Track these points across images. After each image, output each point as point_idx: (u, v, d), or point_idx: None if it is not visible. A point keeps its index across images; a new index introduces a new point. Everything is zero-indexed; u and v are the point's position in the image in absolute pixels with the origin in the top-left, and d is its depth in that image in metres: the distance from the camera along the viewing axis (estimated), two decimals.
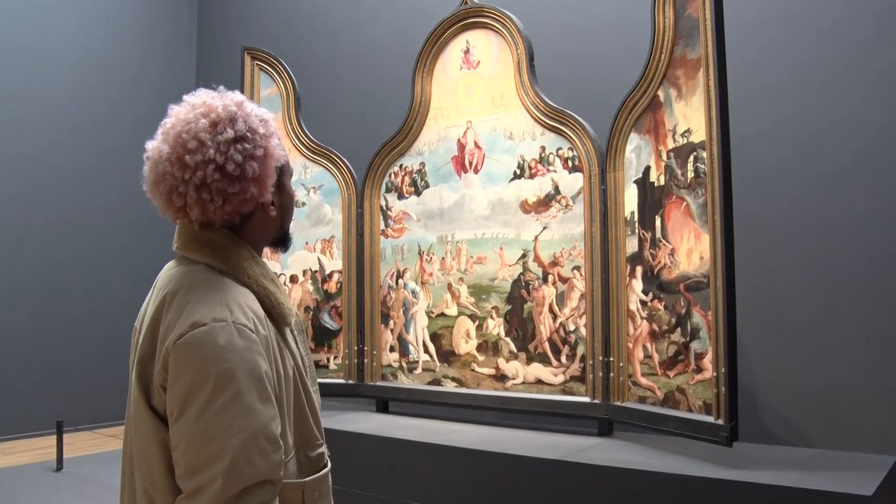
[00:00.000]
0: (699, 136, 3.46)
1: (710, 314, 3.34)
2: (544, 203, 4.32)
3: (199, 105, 1.62)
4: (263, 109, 1.71)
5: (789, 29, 4.40)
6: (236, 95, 1.67)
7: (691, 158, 3.53)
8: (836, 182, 4.20)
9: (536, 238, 4.32)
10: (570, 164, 4.24)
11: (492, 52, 4.55)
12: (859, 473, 3.11)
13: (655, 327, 3.75)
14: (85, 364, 6.95)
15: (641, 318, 3.84)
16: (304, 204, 5.24)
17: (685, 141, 3.58)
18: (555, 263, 4.25)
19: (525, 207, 4.38)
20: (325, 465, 1.72)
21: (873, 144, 4.12)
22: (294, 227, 5.19)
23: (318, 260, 5.18)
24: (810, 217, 4.26)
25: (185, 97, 1.66)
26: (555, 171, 4.29)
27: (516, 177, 4.43)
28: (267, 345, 1.54)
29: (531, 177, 4.37)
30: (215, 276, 1.59)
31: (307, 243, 5.22)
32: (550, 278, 4.26)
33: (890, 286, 4.04)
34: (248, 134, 1.60)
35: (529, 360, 4.33)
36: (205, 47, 8.10)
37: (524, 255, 4.37)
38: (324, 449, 1.73)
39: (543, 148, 4.33)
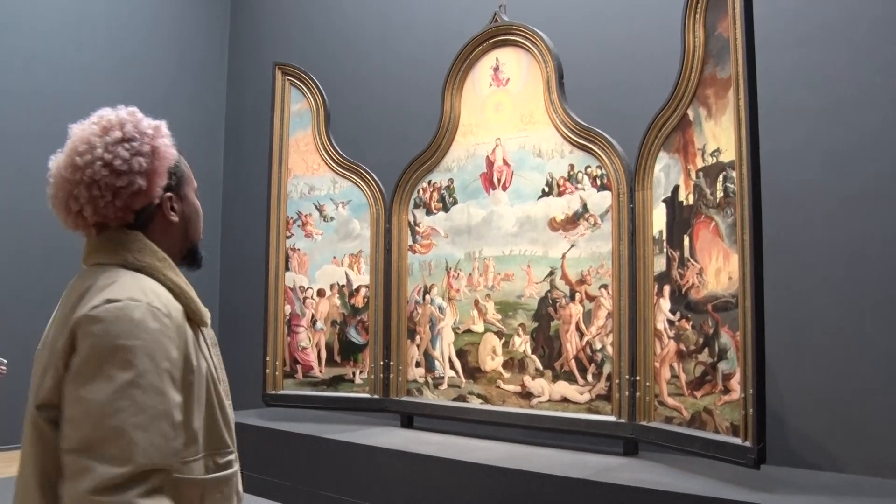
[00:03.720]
0: (729, 155, 3.45)
1: (739, 334, 3.31)
2: (572, 221, 4.31)
3: (93, 119, 1.68)
4: (161, 121, 1.76)
5: (820, 49, 4.37)
6: (130, 108, 1.72)
7: (721, 178, 3.52)
8: (866, 202, 4.16)
9: (564, 256, 4.32)
10: (598, 182, 4.24)
11: (521, 69, 4.57)
12: (890, 501, 3.07)
13: (683, 347, 3.73)
14: None
15: (669, 337, 3.82)
16: (332, 219, 5.28)
17: (714, 160, 3.57)
18: (582, 281, 4.25)
19: (553, 225, 4.38)
20: (231, 468, 1.67)
21: None
22: (322, 242, 5.27)
23: (346, 274, 5.20)
24: (840, 237, 4.22)
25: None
26: (583, 189, 4.28)
27: (544, 194, 4.43)
28: (181, 334, 1.55)
29: (559, 194, 4.37)
30: (130, 271, 1.61)
31: (335, 258, 5.25)
32: (578, 296, 4.25)
33: None
34: (136, 135, 1.65)
35: (555, 378, 4.31)
36: (236, 62, 8.18)
37: (552, 273, 4.36)
38: (234, 457, 1.69)
39: (572, 166, 4.33)
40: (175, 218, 1.74)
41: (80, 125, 1.68)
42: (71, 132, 1.68)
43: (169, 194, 1.72)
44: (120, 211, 1.63)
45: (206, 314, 1.71)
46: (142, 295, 1.51)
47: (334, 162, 5.27)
